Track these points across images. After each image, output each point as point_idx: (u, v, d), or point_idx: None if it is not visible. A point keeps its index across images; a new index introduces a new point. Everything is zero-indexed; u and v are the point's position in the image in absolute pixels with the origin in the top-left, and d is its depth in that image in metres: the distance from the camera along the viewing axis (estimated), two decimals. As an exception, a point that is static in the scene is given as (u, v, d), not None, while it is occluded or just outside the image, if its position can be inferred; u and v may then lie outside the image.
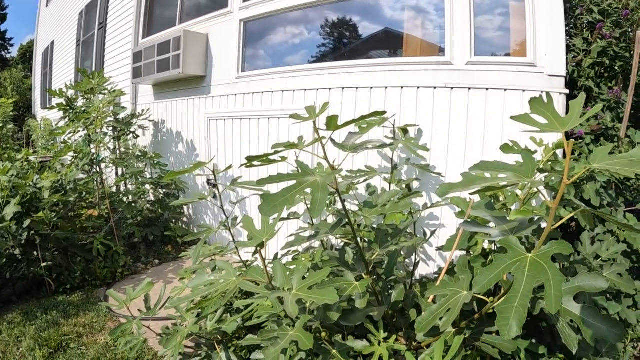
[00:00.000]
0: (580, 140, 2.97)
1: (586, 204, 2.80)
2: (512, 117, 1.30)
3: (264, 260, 1.36)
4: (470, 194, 1.26)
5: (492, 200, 1.80)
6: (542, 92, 2.90)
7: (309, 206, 2.98)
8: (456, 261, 2.27)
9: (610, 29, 3.16)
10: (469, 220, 1.69)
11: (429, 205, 3.26)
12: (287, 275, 1.80)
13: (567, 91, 2.91)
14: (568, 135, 3.06)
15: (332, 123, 1.33)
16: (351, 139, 1.62)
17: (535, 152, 2.27)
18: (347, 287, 1.64)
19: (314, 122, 1.41)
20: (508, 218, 1.53)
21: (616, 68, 3.22)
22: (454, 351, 1.46)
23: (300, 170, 1.36)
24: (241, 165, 1.57)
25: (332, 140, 1.55)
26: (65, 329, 3.47)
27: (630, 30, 3.21)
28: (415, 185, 3.50)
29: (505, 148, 2.13)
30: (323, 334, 1.70)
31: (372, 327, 1.66)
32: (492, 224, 1.64)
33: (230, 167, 2.46)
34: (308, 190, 1.25)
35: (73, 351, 3.14)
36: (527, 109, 2.89)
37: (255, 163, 1.47)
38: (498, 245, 1.97)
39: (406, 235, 1.86)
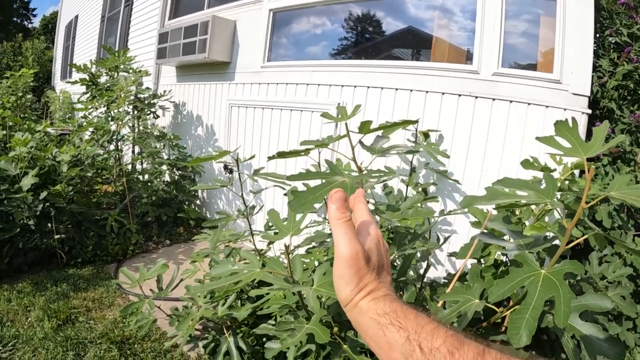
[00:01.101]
0: (598, 162, 2.99)
1: (597, 224, 2.83)
2: (537, 138, 1.32)
3: (288, 254, 1.40)
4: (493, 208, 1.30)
5: (509, 214, 1.83)
6: (564, 109, 2.93)
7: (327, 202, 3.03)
8: (467, 269, 2.32)
9: (637, 53, 3.16)
10: (486, 231, 1.72)
11: (445, 211, 3.30)
12: (305, 269, 1.85)
13: (590, 111, 2.92)
14: (589, 160, 3.05)
15: (365, 127, 1.36)
16: (379, 142, 1.66)
17: (554, 170, 2.29)
18: (363, 285, 1.69)
19: (346, 125, 1.45)
20: (523, 233, 1.57)
21: (639, 92, 3.22)
22: (462, 357, 1.50)
23: (329, 169, 1.39)
24: (269, 158, 1.61)
25: (361, 143, 1.59)
26: (75, 302, 3.54)
27: None
28: (431, 189, 3.53)
29: (526, 164, 2.14)
30: (335, 329, 1.74)
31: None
32: (506, 237, 1.67)
33: (253, 157, 2.50)
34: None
35: (81, 325, 3.20)
36: (548, 125, 2.95)
37: (286, 156, 1.51)
38: (510, 258, 2.01)
39: (420, 239, 1.89)
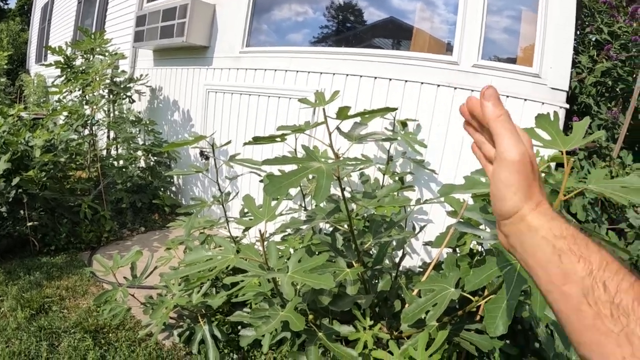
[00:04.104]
0: (574, 156, 3.03)
1: (573, 217, 2.87)
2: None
3: (263, 240, 1.38)
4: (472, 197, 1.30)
5: (486, 203, 1.84)
6: (543, 103, 2.96)
7: (302, 189, 3.01)
8: (442, 258, 2.33)
9: (617, 51, 3.20)
10: (462, 220, 1.73)
11: (422, 200, 3.31)
12: (279, 257, 1.83)
13: (568, 106, 2.95)
14: (575, 152, 3.12)
15: (343, 113, 1.35)
16: (356, 129, 1.65)
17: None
18: (338, 272, 1.68)
19: (324, 110, 1.42)
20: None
21: (617, 90, 3.27)
22: (437, 344, 1.51)
23: (305, 155, 1.37)
24: (245, 143, 1.58)
25: (339, 129, 1.57)
26: (48, 290, 3.47)
27: (636, 55, 3.26)
28: (408, 178, 3.54)
29: None
30: (310, 317, 1.74)
31: (359, 313, 1.70)
32: (482, 226, 1.68)
33: (229, 142, 2.47)
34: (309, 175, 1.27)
35: (55, 314, 3.14)
36: (526, 118, 2.98)
37: (258, 142, 1.49)
38: (486, 248, 2.02)
39: (396, 228, 1.89)
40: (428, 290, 1.59)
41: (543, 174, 2.41)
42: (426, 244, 2.57)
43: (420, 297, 1.89)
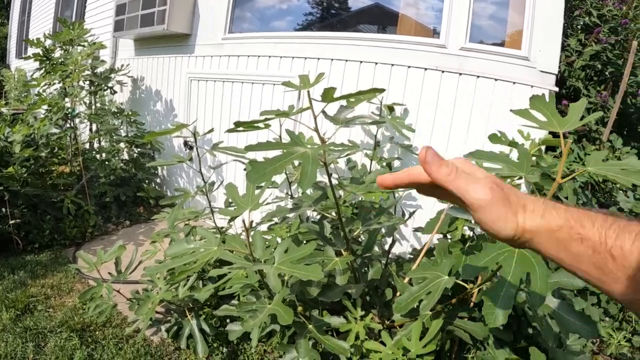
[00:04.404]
0: (564, 139, 3.00)
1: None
2: (512, 111, 1.28)
3: (247, 230, 1.31)
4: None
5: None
6: (532, 86, 2.93)
7: (288, 176, 2.94)
8: (432, 244, 2.29)
9: (606, 34, 3.17)
10: (456, 206, 1.68)
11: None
12: (266, 247, 1.77)
13: (557, 89, 2.93)
14: (565, 135, 3.09)
15: (329, 95, 1.28)
16: (342, 113, 1.58)
17: (522, 145, 2.26)
18: (327, 262, 1.62)
19: (308, 92, 1.36)
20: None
21: (607, 73, 3.25)
22: (432, 334, 1.46)
23: (290, 140, 1.31)
24: (227, 131, 1.51)
25: (324, 113, 1.50)
26: (33, 289, 3.39)
27: (625, 39, 3.23)
28: (396, 164, 3.48)
29: (494, 138, 2.11)
30: (299, 308, 1.68)
31: (350, 304, 1.65)
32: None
33: (211, 130, 2.39)
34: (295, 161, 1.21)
35: (40, 313, 3.07)
36: (516, 101, 2.94)
37: (240, 128, 1.42)
38: (478, 233, 1.98)
39: (386, 214, 1.83)
40: (420, 279, 1.54)
41: (534, 157, 2.36)
42: (416, 230, 2.52)
43: (412, 285, 1.85)
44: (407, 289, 1.70)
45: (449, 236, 2.15)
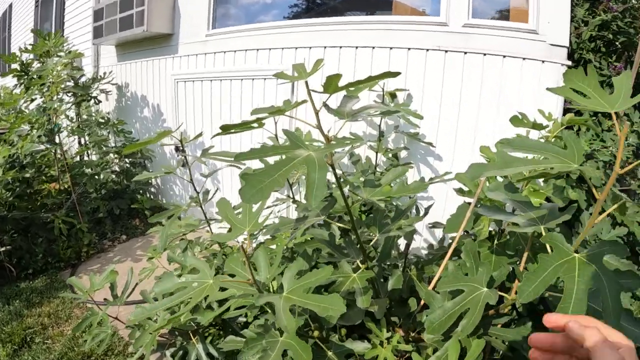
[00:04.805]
0: (579, 115, 2.80)
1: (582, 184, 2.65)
2: (548, 89, 1.06)
3: (248, 259, 1.08)
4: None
5: (511, 180, 1.55)
6: (543, 61, 2.73)
7: (289, 178, 2.70)
8: (450, 241, 2.06)
9: (617, 1, 2.96)
10: (488, 204, 1.45)
11: (419, 176, 3.04)
12: (271, 265, 1.54)
13: (570, 63, 2.73)
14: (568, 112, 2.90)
15: (333, 84, 1.04)
16: (347, 104, 1.34)
17: (547, 126, 2.03)
18: (343, 280, 1.39)
19: (306, 83, 1.12)
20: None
21: (617, 44, 3.04)
22: (473, 356, 1.24)
23: (289, 142, 1.07)
24: (213, 136, 1.28)
25: (326, 106, 1.26)
26: (29, 320, 3.21)
27: (638, 5, 3.02)
28: (403, 154, 3.26)
29: (515, 120, 1.88)
30: (315, 332, 1.46)
31: (373, 326, 1.43)
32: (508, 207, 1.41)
33: (200, 134, 2.16)
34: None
35: (38, 346, 2.90)
36: (526, 78, 2.70)
37: (232, 131, 1.18)
38: (509, 230, 1.75)
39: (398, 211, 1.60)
40: (452, 290, 1.31)
41: (552, 138, 2.13)
42: (432, 226, 2.29)
43: (438, 292, 1.63)
44: (438, 303, 1.48)
45: (471, 232, 1.93)
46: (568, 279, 0.90)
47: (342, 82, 1.09)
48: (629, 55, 3.06)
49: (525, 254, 1.38)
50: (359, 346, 1.37)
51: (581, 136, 2.79)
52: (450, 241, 2.21)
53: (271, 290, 1.59)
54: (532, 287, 0.90)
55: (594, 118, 3.02)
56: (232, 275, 1.41)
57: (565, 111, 2.94)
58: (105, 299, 2.44)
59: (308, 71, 1.19)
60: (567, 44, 2.72)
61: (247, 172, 0.94)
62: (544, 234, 1.16)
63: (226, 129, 1.16)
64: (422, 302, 1.71)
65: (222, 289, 1.82)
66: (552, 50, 2.74)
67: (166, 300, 1.11)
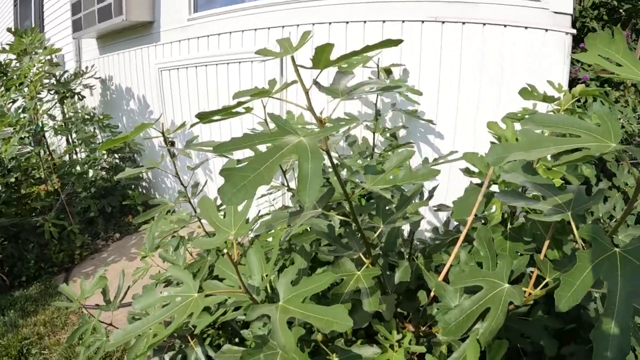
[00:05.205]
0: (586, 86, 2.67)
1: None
2: (575, 55, 0.90)
3: (236, 265, 0.93)
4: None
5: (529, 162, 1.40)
6: (546, 30, 2.58)
7: (285, 169, 2.56)
8: (455, 223, 1.92)
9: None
10: (507, 189, 1.31)
11: (421, 156, 2.90)
12: (267, 262, 1.40)
13: (574, 31, 2.58)
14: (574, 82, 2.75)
15: (323, 57, 0.88)
16: (342, 81, 1.18)
17: (558, 99, 1.88)
18: (347, 279, 1.24)
19: (293, 59, 0.96)
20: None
21: (622, 11, 2.90)
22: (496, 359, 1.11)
23: (277, 128, 0.92)
24: (192, 125, 1.13)
25: (317, 84, 1.11)
26: (25, 330, 3.11)
27: None
28: (402, 133, 3.11)
29: (524, 93, 1.75)
30: (319, 336, 1.32)
31: (382, 328, 1.29)
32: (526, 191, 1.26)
33: (183, 124, 2.00)
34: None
35: (35, 358, 2.82)
36: (530, 48, 2.54)
37: (215, 118, 1.03)
38: (524, 214, 1.60)
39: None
40: (471, 287, 1.17)
41: (563, 111, 1.97)
42: (438, 209, 2.14)
43: (448, 282, 1.49)
44: (450, 295, 1.36)
45: (478, 215, 1.78)
46: (611, 280, 0.76)
47: (333, 58, 0.94)
48: (634, 23, 2.93)
49: (547, 242, 1.24)
50: (367, 351, 1.23)
51: (588, 108, 2.65)
52: (456, 224, 2.08)
53: (268, 290, 1.45)
54: (571, 292, 0.76)
55: (601, 89, 2.89)
56: (225, 279, 1.27)
57: (571, 82, 2.79)
58: (97, 305, 2.32)
59: (295, 45, 1.03)
60: (571, 12, 2.58)
61: (228, 167, 0.78)
62: (571, 221, 1.03)
63: (204, 117, 1.00)
64: (431, 294, 1.57)
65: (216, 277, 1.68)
66: (555, 18, 2.58)
67: (146, 320, 0.96)
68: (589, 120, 1.35)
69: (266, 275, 1.36)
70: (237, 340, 2.27)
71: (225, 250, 0.95)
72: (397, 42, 0.90)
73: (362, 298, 1.17)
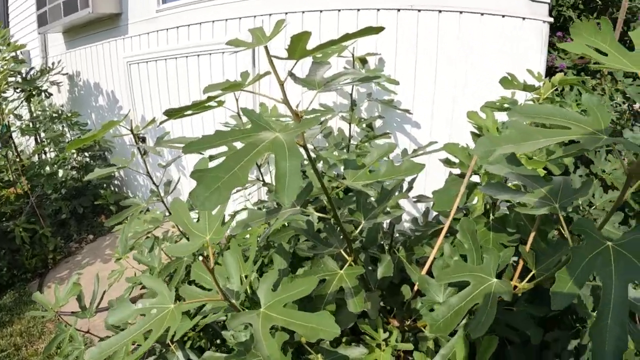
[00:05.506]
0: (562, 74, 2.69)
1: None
2: (562, 45, 0.89)
3: (212, 272, 0.87)
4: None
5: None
6: (523, 18, 2.57)
7: (260, 164, 2.50)
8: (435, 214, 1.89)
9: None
10: (492, 182, 1.28)
11: (398, 146, 2.87)
12: (246, 261, 1.34)
13: (552, 20, 2.58)
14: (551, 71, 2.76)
15: (299, 46, 0.83)
16: (318, 71, 1.13)
17: (538, 88, 1.87)
18: (329, 279, 1.19)
19: (266, 49, 0.90)
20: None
21: (598, 0, 2.92)
22: (485, 356, 1.08)
23: (251, 123, 0.86)
24: (161, 122, 1.06)
25: (292, 75, 1.05)
26: (1, 342, 3.00)
27: None
28: (378, 123, 3.07)
29: (505, 82, 1.75)
30: (303, 338, 1.27)
31: (368, 327, 1.25)
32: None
33: (153, 120, 1.91)
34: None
35: None
36: (507, 36, 2.52)
37: (187, 113, 0.97)
38: (509, 205, 1.58)
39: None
40: (457, 282, 1.13)
41: (539, 98, 1.95)
42: (417, 200, 2.11)
43: (431, 275, 1.46)
44: (434, 289, 1.32)
45: (460, 206, 1.75)
46: (605, 274, 0.73)
47: (309, 48, 0.88)
48: (610, 12, 2.94)
49: (532, 234, 1.21)
50: (354, 352, 1.19)
51: (566, 96, 2.66)
52: (435, 214, 2.05)
53: (248, 292, 1.39)
54: (566, 288, 0.73)
55: (579, 77, 2.91)
56: (202, 286, 1.21)
57: (548, 70, 2.80)
58: (72, 312, 2.23)
59: (268, 35, 0.97)
60: (549, 0, 2.57)
61: (200, 168, 0.72)
62: (559, 214, 1.00)
63: (174, 114, 0.94)
64: (415, 287, 1.54)
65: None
66: (532, 6, 2.58)
67: (120, 336, 0.90)
68: (570, 109, 1.33)
69: (245, 276, 1.31)
70: (218, 341, 2.22)
71: (200, 257, 0.90)
72: (378, 30, 0.85)
73: (347, 298, 1.13)
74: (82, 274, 3.71)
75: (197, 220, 1.04)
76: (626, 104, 2.66)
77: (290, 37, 0.81)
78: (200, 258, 0.84)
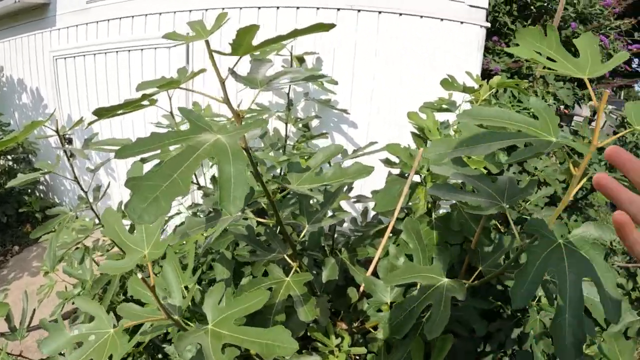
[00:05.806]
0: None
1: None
2: (509, 49, 0.90)
3: (153, 290, 0.79)
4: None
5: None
6: (461, 22, 2.67)
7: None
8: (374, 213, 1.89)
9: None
10: (439, 183, 1.28)
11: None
12: (182, 274, 1.26)
13: (489, 25, 2.70)
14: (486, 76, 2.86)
15: (245, 41, 0.77)
16: (260, 69, 1.07)
17: (478, 90, 1.91)
18: (276, 287, 1.15)
19: (207, 43, 0.84)
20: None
21: (533, 7, 3.05)
22: (441, 356, 1.07)
23: (190, 124, 0.79)
24: (90, 123, 0.98)
25: (234, 73, 0.99)
26: None
27: None
28: (314, 123, 3.05)
29: (445, 83, 1.81)
30: (252, 350, 1.22)
31: (320, 335, 1.21)
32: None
33: (80, 120, 1.79)
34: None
35: None
36: (444, 39, 2.58)
37: (119, 112, 0.88)
38: (451, 203, 1.60)
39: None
40: (406, 284, 1.12)
41: (481, 102, 2.00)
42: (356, 200, 2.09)
43: (376, 276, 1.45)
44: (380, 290, 1.31)
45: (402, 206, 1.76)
46: (560, 273, 0.75)
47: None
48: (544, 20, 3.08)
49: (478, 233, 1.23)
50: (307, 361, 1.15)
51: (500, 98, 2.77)
52: (374, 213, 2.05)
53: (190, 305, 1.31)
54: (524, 287, 0.74)
55: (515, 80, 3.04)
56: (139, 301, 1.12)
57: (483, 72, 2.89)
58: (2, 334, 2.04)
59: (209, 28, 0.91)
60: (486, 6, 2.68)
61: (135, 176, 0.65)
62: (507, 213, 1.01)
63: (104, 114, 0.85)
64: (361, 289, 1.53)
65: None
66: (470, 11, 2.68)
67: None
68: (518, 113, 1.36)
69: (185, 287, 1.23)
70: (160, 356, 2.09)
71: (139, 274, 0.82)
72: (329, 27, 0.81)
73: (297, 307, 1.08)
74: (9, 289, 3.44)
75: (131, 230, 0.95)
76: (556, 105, 2.80)
77: (237, 31, 0.76)
78: (140, 275, 0.77)
